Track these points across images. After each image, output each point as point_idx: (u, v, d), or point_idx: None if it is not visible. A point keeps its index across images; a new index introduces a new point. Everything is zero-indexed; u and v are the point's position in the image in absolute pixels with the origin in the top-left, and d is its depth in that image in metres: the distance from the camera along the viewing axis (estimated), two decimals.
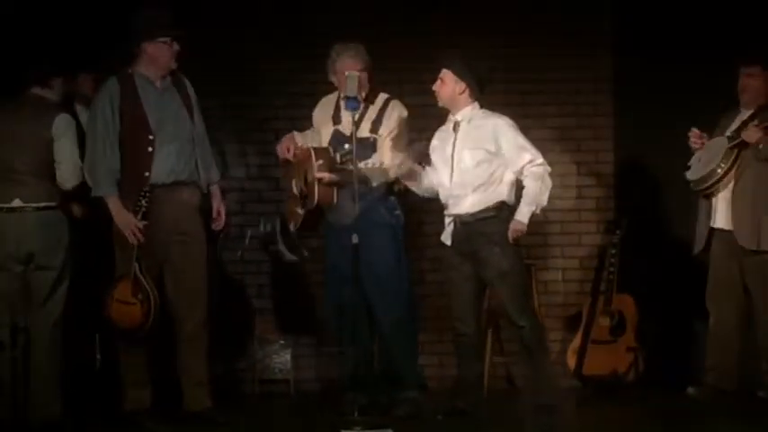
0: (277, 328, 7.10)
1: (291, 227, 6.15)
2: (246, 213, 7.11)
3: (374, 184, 5.92)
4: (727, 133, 6.22)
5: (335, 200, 5.90)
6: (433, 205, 6.14)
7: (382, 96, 6.10)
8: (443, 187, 5.87)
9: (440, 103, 5.89)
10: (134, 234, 5.56)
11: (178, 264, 5.73)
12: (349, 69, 5.81)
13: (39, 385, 5.63)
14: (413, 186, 5.94)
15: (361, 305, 5.85)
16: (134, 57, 5.73)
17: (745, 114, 6.24)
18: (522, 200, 5.78)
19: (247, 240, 7.02)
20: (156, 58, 5.70)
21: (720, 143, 6.21)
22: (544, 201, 5.79)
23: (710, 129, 6.33)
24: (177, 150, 5.70)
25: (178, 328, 5.75)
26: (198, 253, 5.77)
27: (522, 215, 5.74)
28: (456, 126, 5.86)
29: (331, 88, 6.16)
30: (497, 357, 6.95)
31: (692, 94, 6.65)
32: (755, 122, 6.09)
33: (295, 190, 6.09)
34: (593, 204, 7.27)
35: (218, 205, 5.91)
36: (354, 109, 5.71)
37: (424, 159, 5.85)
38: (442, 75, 5.84)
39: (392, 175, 5.87)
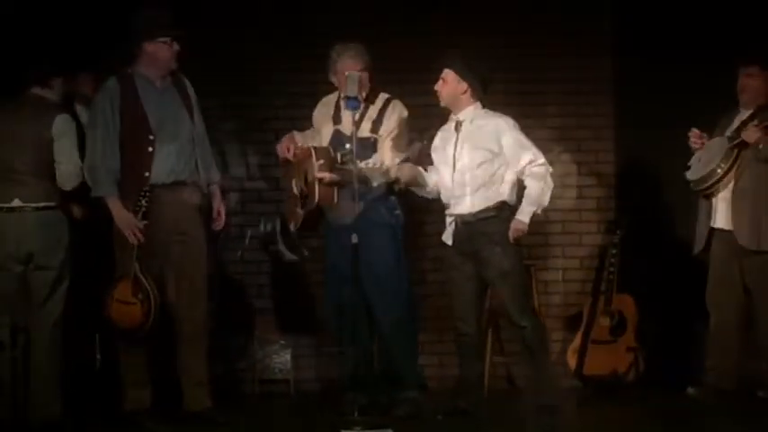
0: (277, 328, 7.10)
1: (291, 227, 6.15)
2: (246, 213, 7.11)
3: (374, 184, 5.92)
4: (727, 133, 6.22)
5: (336, 200, 5.90)
6: (433, 205, 6.15)
7: (383, 96, 6.10)
8: (445, 187, 5.87)
9: (441, 103, 5.90)
10: (134, 234, 5.56)
11: (178, 264, 5.73)
12: (349, 69, 5.81)
13: (39, 385, 5.63)
14: (419, 192, 5.95)
15: (361, 305, 5.85)
16: (134, 57, 5.73)
17: (744, 114, 6.23)
18: (524, 200, 5.78)
19: (247, 240, 7.02)
20: (156, 58, 5.70)
21: (720, 143, 6.21)
22: (545, 201, 5.79)
23: (710, 129, 6.33)
24: (177, 150, 5.70)
25: (178, 328, 5.75)
26: (198, 253, 5.77)
27: (524, 215, 5.75)
28: (458, 126, 5.86)
29: (331, 88, 6.16)
30: (498, 357, 6.95)
31: (692, 94, 6.65)
32: (755, 122, 6.09)
33: (295, 190, 6.09)
34: (594, 204, 7.27)
35: (218, 205, 5.91)
36: (355, 109, 5.72)
37: (423, 159, 5.85)
38: (443, 74, 5.84)
39: (392, 175, 5.87)
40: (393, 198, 6.03)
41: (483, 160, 5.78)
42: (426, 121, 6.20)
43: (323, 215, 6.01)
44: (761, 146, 6.02)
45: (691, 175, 6.30)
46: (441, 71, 5.84)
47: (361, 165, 5.72)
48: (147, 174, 5.62)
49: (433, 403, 6.00)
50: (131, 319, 5.58)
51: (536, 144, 5.86)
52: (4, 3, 6.36)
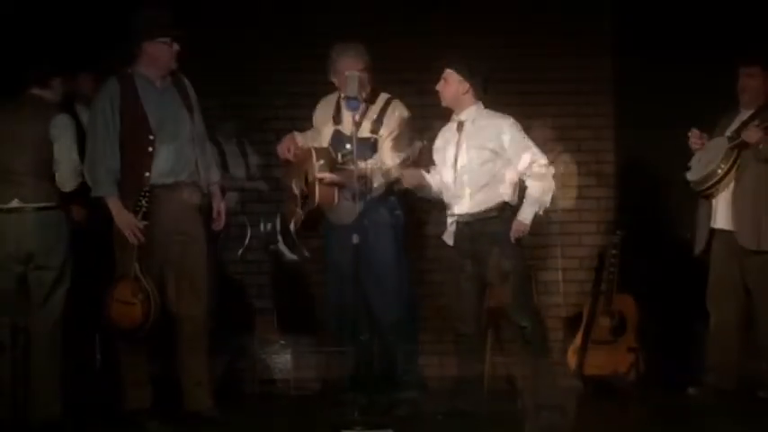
0: (277, 328, 7.10)
1: (291, 227, 6.16)
2: (246, 213, 7.10)
3: (375, 185, 5.92)
4: (727, 133, 6.21)
5: (336, 200, 5.91)
6: (433, 205, 6.15)
7: (383, 96, 6.10)
8: (446, 187, 5.87)
9: (443, 104, 5.90)
10: (134, 234, 5.55)
11: (178, 264, 5.72)
12: (349, 69, 5.81)
13: (39, 385, 5.63)
14: (421, 192, 5.95)
15: (361, 305, 5.85)
16: (134, 57, 5.73)
17: (744, 114, 6.23)
18: (525, 200, 5.79)
19: (247, 240, 7.02)
20: (156, 58, 5.70)
21: (720, 143, 6.21)
22: (547, 201, 5.80)
23: (710, 129, 6.33)
24: (177, 150, 5.70)
25: (178, 328, 5.75)
26: (198, 253, 5.77)
27: (525, 215, 5.75)
28: (460, 126, 5.86)
29: (331, 88, 6.16)
30: (498, 357, 6.95)
31: (692, 94, 6.65)
32: (756, 123, 6.09)
33: (296, 190, 6.09)
34: (594, 204, 7.27)
35: (218, 205, 5.91)
36: (355, 109, 5.72)
37: (424, 159, 5.85)
38: (445, 75, 5.84)
39: (393, 175, 5.87)
40: (393, 198, 6.03)
41: (485, 160, 5.78)
42: (426, 121, 6.20)
43: (323, 215, 6.01)
44: (761, 146, 6.02)
45: (691, 176, 6.29)
46: (442, 71, 5.84)
47: (362, 165, 5.73)
48: (147, 174, 5.62)
49: (433, 403, 6.00)
50: (131, 319, 5.57)
51: (536, 144, 5.86)
52: (4, 3, 6.36)
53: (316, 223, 6.08)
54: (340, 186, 5.89)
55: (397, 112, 6.05)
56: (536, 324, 5.83)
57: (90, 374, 6.26)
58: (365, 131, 5.96)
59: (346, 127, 5.96)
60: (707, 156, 6.24)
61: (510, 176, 5.79)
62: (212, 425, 5.71)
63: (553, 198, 5.90)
